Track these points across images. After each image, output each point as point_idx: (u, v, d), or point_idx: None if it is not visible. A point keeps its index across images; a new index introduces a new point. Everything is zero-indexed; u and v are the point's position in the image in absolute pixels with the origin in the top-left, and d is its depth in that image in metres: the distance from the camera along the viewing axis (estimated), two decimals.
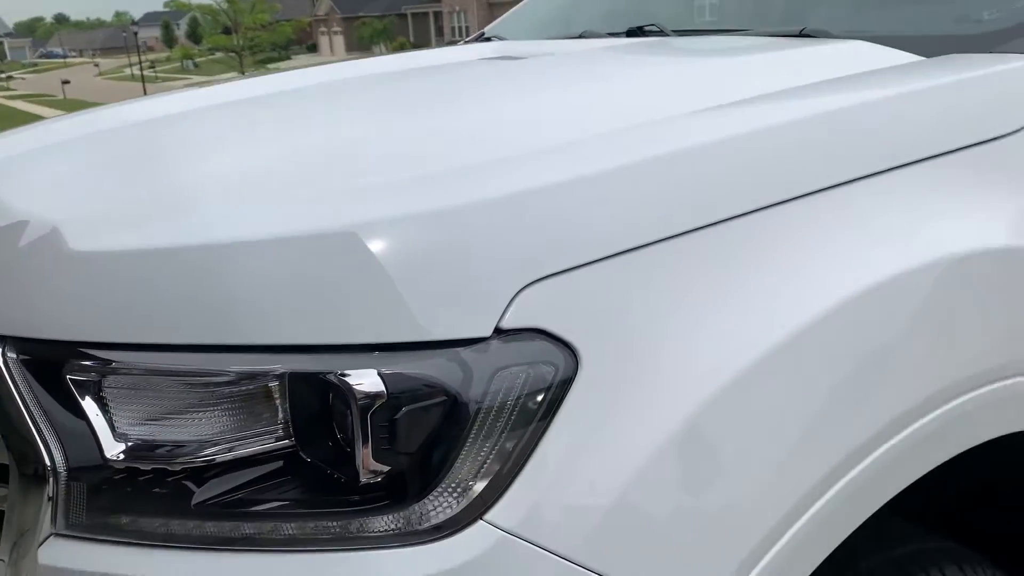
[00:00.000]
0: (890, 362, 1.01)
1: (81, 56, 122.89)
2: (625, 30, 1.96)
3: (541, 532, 0.84)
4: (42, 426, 0.92)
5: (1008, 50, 1.36)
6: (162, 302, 0.91)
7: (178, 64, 67.24)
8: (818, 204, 1.04)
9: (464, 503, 0.84)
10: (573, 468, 0.85)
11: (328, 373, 0.85)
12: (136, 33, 53.03)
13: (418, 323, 0.84)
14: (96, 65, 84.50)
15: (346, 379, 0.84)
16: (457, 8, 55.33)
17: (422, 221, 0.90)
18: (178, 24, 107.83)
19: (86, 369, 0.91)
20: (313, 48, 74.24)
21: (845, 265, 1.02)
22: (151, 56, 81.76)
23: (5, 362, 0.95)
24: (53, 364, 0.93)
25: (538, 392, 0.85)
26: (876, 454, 0.98)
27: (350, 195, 0.98)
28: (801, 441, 0.94)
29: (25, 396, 0.93)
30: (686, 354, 0.90)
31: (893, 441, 0.99)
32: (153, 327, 0.90)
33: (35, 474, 0.92)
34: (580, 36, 2.04)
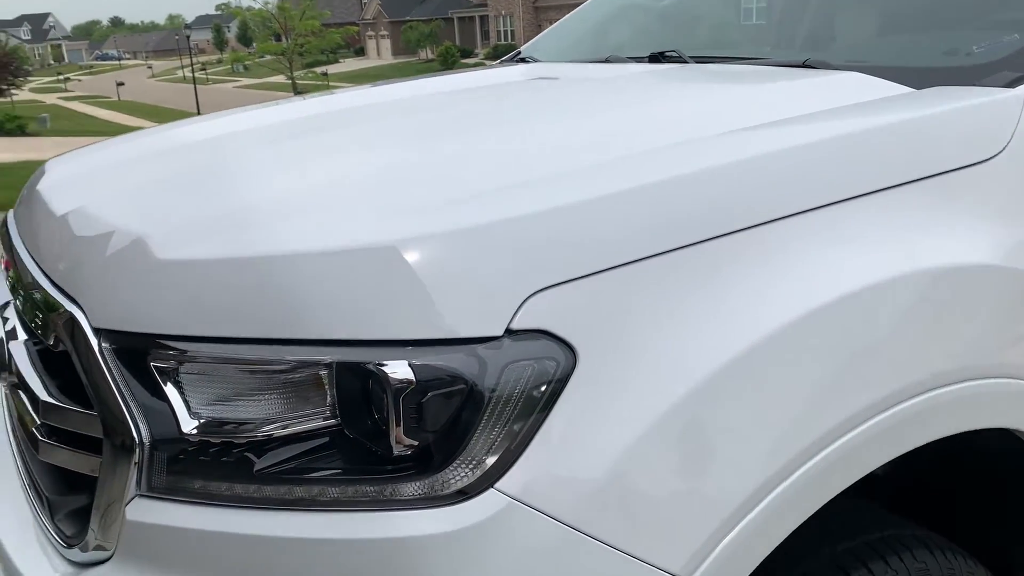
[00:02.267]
0: (856, 360, 1.14)
1: (135, 58, 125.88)
2: (648, 55, 2.10)
3: (540, 499, 0.99)
4: (131, 404, 1.09)
5: (993, 83, 1.47)
6: (230, 302, 1.08)
7: (228, 67, 68.70)
8: (804, 222, 1.18)
9: (478, 474, 1.00)
10: (569, 448, 1.01)
11: (368, 363, 1.01)
12: (188, 36, 54.10)
13: (443, 323, 1.00)
14: (149, 67, 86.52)
15: (383, 368, 1.00)
16: (503, 12, 55.61)
17: (448, 238, 1.06)
18: (228, 27, 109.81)
19: (167, 357, 1.09)
20: (361, 52, 74.90)
21: (823, 275, 1.15)
22: (202, 59, 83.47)
23: (100, 351, 1.13)
24: (140, 353, 1.10)
25: (541, 384, 1.01)
26: (844, 439, 1.11)
27: (391, 214, 1.14)
28: (773, 426, 1.08)
29: (117, 379, 1.11)
30: (670, 352, 1.05)
31: (859, 429, 1.12)
32: (222, 323, 1.08)
33: (123, 445, 1.10)
34: (606, 60, 2.19)
